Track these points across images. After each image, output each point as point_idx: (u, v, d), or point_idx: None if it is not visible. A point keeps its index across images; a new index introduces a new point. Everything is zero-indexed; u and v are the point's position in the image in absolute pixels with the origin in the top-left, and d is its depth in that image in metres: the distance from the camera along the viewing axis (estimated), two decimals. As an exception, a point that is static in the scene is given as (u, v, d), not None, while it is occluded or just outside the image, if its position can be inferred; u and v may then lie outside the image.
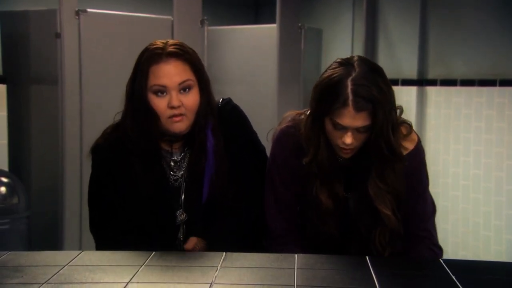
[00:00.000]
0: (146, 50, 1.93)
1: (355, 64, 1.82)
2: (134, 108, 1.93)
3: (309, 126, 1.90)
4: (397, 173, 1.90)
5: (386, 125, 1.81)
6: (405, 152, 1.92)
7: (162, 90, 1.89)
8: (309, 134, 1.91)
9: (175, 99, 1.89)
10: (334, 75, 1.81)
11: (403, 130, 1.94)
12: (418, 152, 1.97)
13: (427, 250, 1.98)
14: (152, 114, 1.91)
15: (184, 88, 1.91)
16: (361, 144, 1.86)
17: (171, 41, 1.95)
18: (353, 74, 1.79)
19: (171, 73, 1.89)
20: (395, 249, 1.95)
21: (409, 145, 1.94)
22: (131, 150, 1.95)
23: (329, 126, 1.84)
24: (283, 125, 2.03)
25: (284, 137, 2.00)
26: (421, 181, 1.99)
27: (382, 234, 1.93)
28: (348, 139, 1.81)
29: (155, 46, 1.92)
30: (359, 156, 1.92)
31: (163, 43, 1.93)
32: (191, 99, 1.92)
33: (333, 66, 1.86)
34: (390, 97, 1.83)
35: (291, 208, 2.01)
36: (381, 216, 1.90)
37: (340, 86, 1.78)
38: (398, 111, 1.92)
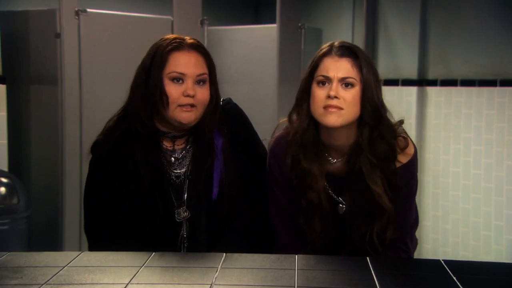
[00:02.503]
0: (164, 41, 1.96)
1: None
2: (146, 93, 1.94)
3: (298, 96, 1.95)
4: (387, 145, 1.89)
5: (374, 82, 1.84)
6: (398, 165, 1.93)
7: (179, 78, 1.93)
8: (297, 103, 1.95)
9: (191, 87, 1.92)
10: (322, 45, 1.93)
11: (400, 144, 1.93)
12: (410, 167, 1.97)
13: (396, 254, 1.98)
14: (162, 102, 1.92)
15: (199, 80, 1.95)
16: (347, 108, 1.84)
17: (187, 36, 2.00)
18: (340, 40, 1.93)
19: (191, 62, 1.94)
20: (393, 243, 1.95)
21: (403, 159, 1.95)
22: (132, 146, 1.95)
23: (315, 90, 1.87)
24: (277, 134, 2.03)
25: (277, 147, 2.02)
26: (406, 194, 1.98)
27: (378, 225, 1.91)
28: (333, 91, 1.83)
29: (174, 36, 1.98)
30: (353, 159, 1.92)
31: (181, 36, 1.99)
32: (204, 93, 1.96)
33: None
34: (374, 66, 1.90)
35: (293, 217, 2.00)
36: (375, 197, 1.89)
37: (325, 47, 1.90)
38: (398, 122, 1.93)
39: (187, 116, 1.94)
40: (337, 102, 1.83)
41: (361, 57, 1.86)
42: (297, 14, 4.53)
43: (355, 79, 1.83)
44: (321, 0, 5.09)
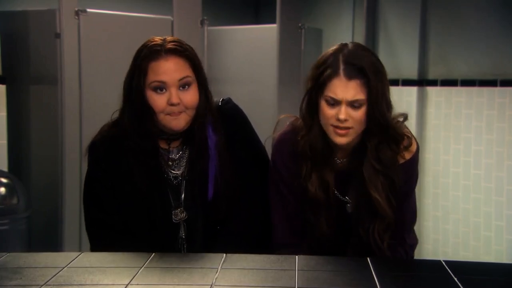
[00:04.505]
0: (144, 47, 1.92)
1: (349, 43, 1.90)
2: (132, 105, 1.92)
3: (305, 107, 1.92)
4: (392, 152, 1.90)
5: (381, 98, 1.82)
6: (401, 161, 1.93)
7: (161, 87, 1.88)
8: (304, 113, 1.93)
9: (174, 96, 1.88)
10: (328, 52, 1.88)
11: (403, 142, 1.93)
12: (412, 164, 1.97)
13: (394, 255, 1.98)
14: (149, 112, 1.90)
15: (183, 85, 1.90)
16: (357, 126, 1.85)
17: (169, 38, 1.94)
18: (345, 50, 1.86)
19: (170, 69, 1.88)
20: (392, 239, 1.95)
21: (406, 155, 1.95)
22: (128, 148, 1.95)
23: (323, 106, 1.85)
24: (281, 130, 2.03)
25: (281, 142, 2.01)
26: (406, 190, 1.98)
27: (380, 225, 1.92)
28: (342, 114, 1.81)
29: (153, 43, 1.91)
30: (357, 157, 1.92)
31: (161, 39, 1.92)
32: (191, 96, 1.91)
33: (330, 48, 1.92)
34: (383, 73, 1.86)
35: (298, 215, 1.99)
36: (374, 203, 1.89)
37: (333, 59, 1.85)
38: (402, 118, 1.93)
39: (176, 124, 1.91)
40: (346, 123, 1.83)
41: (369, 72, 1.81)
42: (297, 14, 4.53)
43: (364, 99, 1.82)
44: (321, 0, 5.09)
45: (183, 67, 1.91)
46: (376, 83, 1.82)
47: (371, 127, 1.86)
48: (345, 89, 1.80)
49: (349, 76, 1.80)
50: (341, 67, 1.82)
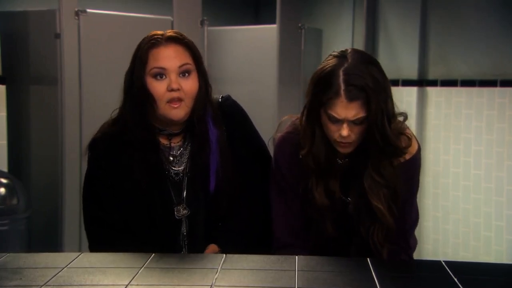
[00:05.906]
0: (145, 39, 1.95)
1: (348, 55, 1.83)
2: (133, 97, 1.93)
3: (305, 119, 1.91)
4: (394, 167, 1.89)
5: (381, 115, 1.80)
6: (398, 162, 1.91)
7: (161, 73, 1.90)
8: (305, 128, 1.91)
9: (174, 82, 1.89)
10: (327, 66, 1.83)
11: (403, 142, 1.92)
12: (412, 165, 1.96)
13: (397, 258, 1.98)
14: (150, 102, 1.90)
15: (183, 72, 1.91)
16: (359, 138, 1.85)
17: (169, 30, 1.98)
18: (346, 65, 1.80)
19: (170, 56, 1.90)
20: (393, 245, 1.95)
21: (406, 156, 1.94)
22: (129, 143, 1.94)
23: (325, 120, 1.84)
24: (283, 131, 2.02)
25: (284, 142, 2.00)
26: (406, 193, 1.96)
27: (380, 230, 1.92)
28: (344, 131, 1.81)
29: (153, 33, 1.95)
30: (358, 157, 1.91)
31: (162, 32, 1.95)
32: (190, 84, 1.92)
33: (327, 59, 1.87)
34: (384, 87, 1.82)
35: (300, 215, 1.99)
36: (376, 211, 1.89)
37: (332, 76, 1.80)
38: (402, 117, 1.92)
39: (176, 113, 1.91)
40: (349, 138, 1.83)
41: (370, 91, 1.77)
42: (297, 14, 4.54)
43: (365, 116, 1.80)
44: (321, 0, 5.09)
45: (183, 54, 1.93)
46: (377, 102, 1.78)
47: (370, 138, 1.85)
48: (346, 110, 1.78)
49: (350, 98, 1.77)
50: (342, 87, 1.77)
